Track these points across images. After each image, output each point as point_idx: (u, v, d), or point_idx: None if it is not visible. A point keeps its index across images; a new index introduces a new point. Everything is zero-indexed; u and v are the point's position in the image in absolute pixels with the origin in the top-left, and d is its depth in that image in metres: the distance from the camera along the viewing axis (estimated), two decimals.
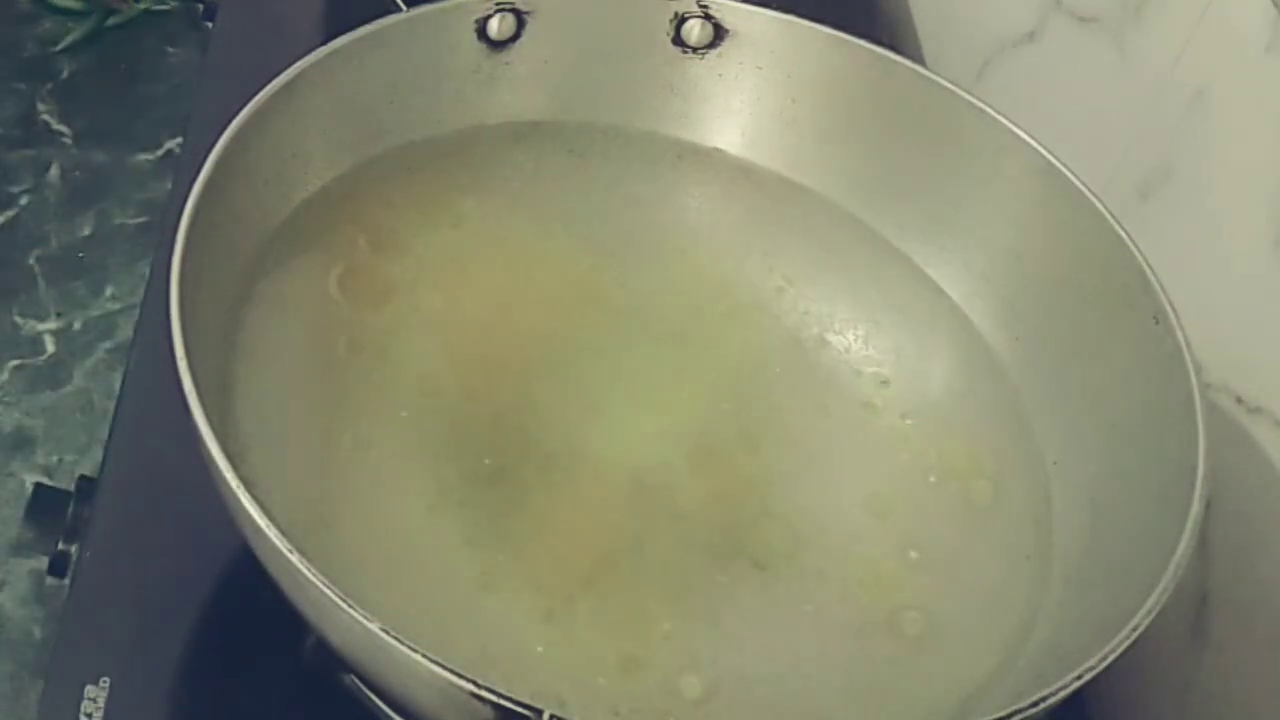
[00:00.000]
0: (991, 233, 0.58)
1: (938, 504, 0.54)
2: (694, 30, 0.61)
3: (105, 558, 0.55)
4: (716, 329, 0.58)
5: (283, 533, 0.41)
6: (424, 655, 0.39)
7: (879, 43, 0.60)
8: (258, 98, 0.52)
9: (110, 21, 1.34)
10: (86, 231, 1.09)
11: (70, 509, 0.58)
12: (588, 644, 0.48)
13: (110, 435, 0.59)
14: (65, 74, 1.30)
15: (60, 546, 0.58)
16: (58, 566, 0.58)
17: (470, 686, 0.38)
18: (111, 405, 0.62)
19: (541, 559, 0.50)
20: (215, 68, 0.78)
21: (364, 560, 0.48)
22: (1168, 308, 0.51)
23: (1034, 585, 0.51)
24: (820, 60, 0.60)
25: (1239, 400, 0.55)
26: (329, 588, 0.40)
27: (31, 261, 1.04)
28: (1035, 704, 0.41)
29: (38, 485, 0.62)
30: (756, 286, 0.59)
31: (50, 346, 0.96)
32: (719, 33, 0.61)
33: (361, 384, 0.53)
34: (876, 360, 0.58)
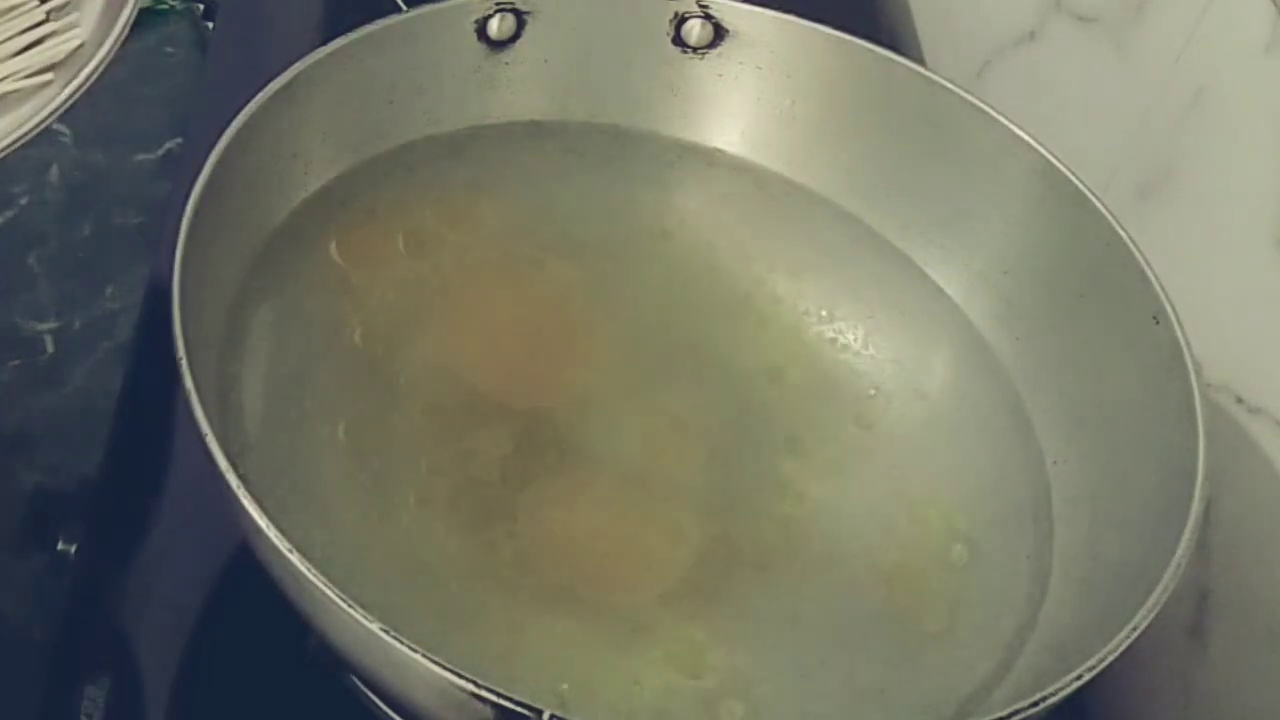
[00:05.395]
0: (991, 233, 0.58)
1: (936, 505, 0.54)
2: (694, 30, 0.61)
3: (105, 558, 0.55)
4: (716, 329, 0.58)
5: (283, 533, 0.41)
6: (424, 655, 0.39)
7: (879, 43, 0.60)
8: (258, 98, 0.52)
9: None
10: (86, 231, 1.09)
11: (70, 509, 0.58)
12: (588, 644, 0.48)
13: (110, 435, 0.59)
14: None
15: (60, 546, 0.58)
16: (58, 566, 0.58)
17: (470, 686, 0.38)
18: (111, 405, 0.62)
19: (543, 558, 0.50)
20: (215, 68, 0.78)
21: (364, 560, 0.48)
22: (1168, 308, 0.51)
23: (1034, 585, 0.51)
24: (820, 60, 0.60)
25: (1239, 400, 0.55)
26: (329, 588, 0.40)
27: (31, 261, 1.03)
28: (1035, 704, 0.41)
29: (38, 485, 0.62)
30: (756, 286, 0.59)
31: (50, 346, 0.95)
32: (719, 33, 0.61)
33: (362, 383, 0.53)
34: (876, 360, 0.58)
